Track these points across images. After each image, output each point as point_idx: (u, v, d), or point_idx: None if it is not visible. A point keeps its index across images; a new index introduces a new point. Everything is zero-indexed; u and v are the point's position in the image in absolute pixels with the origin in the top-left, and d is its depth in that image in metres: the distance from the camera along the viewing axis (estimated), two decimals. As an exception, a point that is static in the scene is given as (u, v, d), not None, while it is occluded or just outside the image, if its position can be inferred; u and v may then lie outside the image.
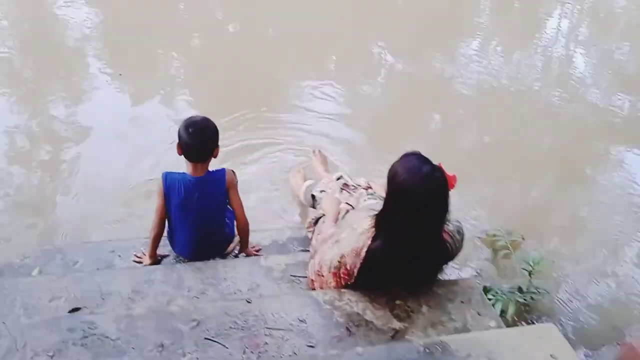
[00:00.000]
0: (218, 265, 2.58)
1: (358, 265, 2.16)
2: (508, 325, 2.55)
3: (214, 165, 2.58)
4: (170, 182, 2.50)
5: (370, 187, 2.91)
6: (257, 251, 2.86)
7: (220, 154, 2.58)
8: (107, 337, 1.93)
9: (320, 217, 2.74)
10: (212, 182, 2.54)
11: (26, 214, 3.39)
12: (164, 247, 2.75)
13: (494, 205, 3.74)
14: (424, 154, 2.08)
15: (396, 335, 2.08)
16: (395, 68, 5.16)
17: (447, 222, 2.13)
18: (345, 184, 2.94)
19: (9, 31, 5.29)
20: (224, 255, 2.78)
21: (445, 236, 2.16)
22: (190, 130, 2.41)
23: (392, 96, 4.76)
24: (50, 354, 1.86)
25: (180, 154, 2.48)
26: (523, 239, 3.22)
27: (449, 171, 2.02)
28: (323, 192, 2.99)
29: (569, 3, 6.29)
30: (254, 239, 2.88)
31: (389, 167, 2.09)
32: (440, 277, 2.34)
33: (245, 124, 4.11)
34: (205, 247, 2.67)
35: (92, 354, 1.87)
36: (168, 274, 2.48)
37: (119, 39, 5.22)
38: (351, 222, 2.38)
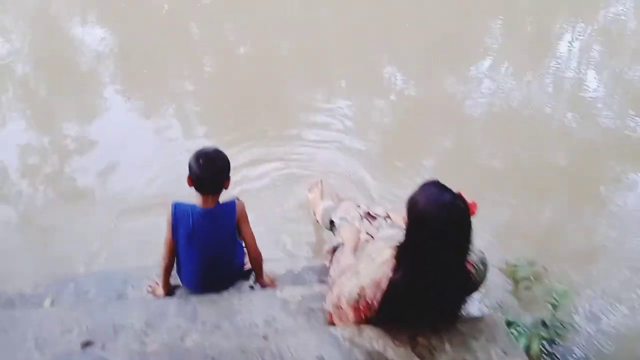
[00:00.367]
0: (233, 298, 2.52)
1: (379, 298, 2.09)
2: (533, 361, 2.47)
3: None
4: (179, 213, 2.45)
5: (389, 217, 2.84)
6: (271, 281, 2.80)
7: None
8: (120, 375, 1.88)
9: (338, 246, 2.67)
10: (222, 214, 2.48)
11: (37, 237, 3.37)
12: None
13: (509, 230, 3.66)
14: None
15: (419, 375, 2.00)
16: (406, 89, 5.13)
17: (470, 252, 2.06)
18: (366, 213, 2.88)
19: (25, 52, 5.31)
20: (236, 286, 2.72)
21: (469, 267, 2.09)
22: (200, 161, 2.36)
23: (403, 118, 4.72)
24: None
25: (190, 186, 2.43)
26: (545, 269, 3.13)
27: (467, 197, 1.96)
28: (343, 220, 2.92)
29: (580, 24, 6.26)
30: (267, 267, 2.81)
31: (408, 196, 2.03)
32: (464, 311, 2.27)
33: (254, 143, 4.11)
34: (213, 280, 2.60)
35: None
36: (182, 306, 2.42)
37: (131, 59, 5.26)
38: (370, 253, 2.31)
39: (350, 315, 2.20)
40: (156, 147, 4.18)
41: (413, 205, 1.99)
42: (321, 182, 3.47)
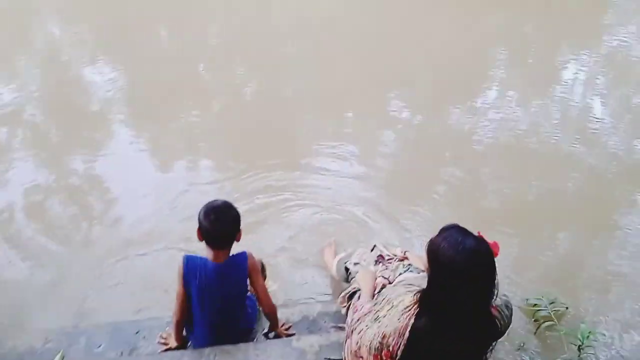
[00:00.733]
0: (249, 349, 2.45)
1: (402, 347, 2.01)
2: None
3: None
4: (190, 268, 2.38)
5: (406, 258, 2.78)
6: (287, 329, 2.73)
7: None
8: None
9: (354, 292, 2.61)
10: (233, 268, 2.41)
11: (47, 286, 3.31)
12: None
13: (524, 263, 3.58)
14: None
15: None
16: (412, 123, 5.13)
17: (495, 297, 2.00)
18: (381, 256, 2.82)
19: (35, 94, 5.33)
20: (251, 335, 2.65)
21: (494, 311, 2.02)
22: (211, 217, 2.29)
23: (410, 152, 4.69)
24: None
25: (200, 240, 2.36)
26: (567, 308, 3.06)
27: (485, 236, 1.91)
28: (357, 265, 2.86)
29: (585, 54, 6.28)
30: (282, 315, 2.75)
31: (428, 242, 1.97)
32: (490, 358, 2.19)
33: (263, 181, 4.10)
34: (223, 336, 2.52)
35: None
36: (196, 358, 2.35)
37: (140, 100, 5.28)
38: (391, 299, 2.23)
39: (371, 364, 2.13)
40: (161, 188, 4.15)
41: (435, 251, 1.93)
42: (334, 241, 3.45)
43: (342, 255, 3.15)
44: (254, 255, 2.52)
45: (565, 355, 2.74)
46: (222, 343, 2.49)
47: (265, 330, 2.72)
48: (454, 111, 5.21)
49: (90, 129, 4.83)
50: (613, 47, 6.48)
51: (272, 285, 3.10)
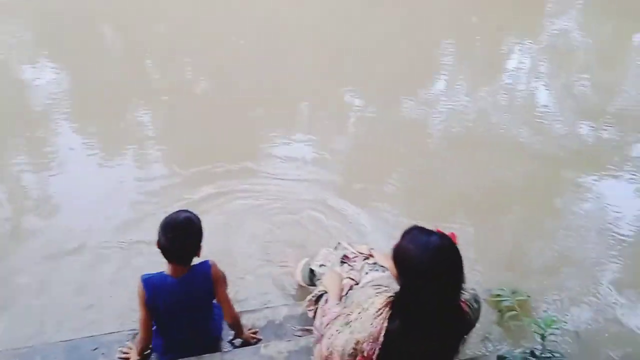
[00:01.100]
0: (214, 359, 2.36)
1: (377, 351, 1.98)
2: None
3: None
4: (153, 291, 2.25)
5: (372, 255, 2.75)
6: (254, 334, 2.66)
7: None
8: None
9: (321, 295, 2.56)
10: (197, 279, 2.30)
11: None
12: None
13: (478, 253, 3.60)
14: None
15: None
16: (366, 114, 5.12)
17: (463, 291, 1.99)
18: (346, 256, 2.78)
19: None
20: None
21: (463, 306, 2.02)
22: (168, 235, 2.17)
23: (363, 147, 4.69)
24: None
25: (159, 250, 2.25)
26: (529, 297, 3.11)
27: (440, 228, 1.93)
28: (323, 267, 2.82)
29: (529, 42, 6.43)
30: (248, 320, 2.69)
31: (393, 248, 1.95)
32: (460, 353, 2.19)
33: (219, 176, 4.03)
34: (192, 348, 2.43)
35: None
36: (161, 373, 2.25)
37: (86, 99, 5.09)
38: (360, 302, 2.20)
39: (345, 370, 2.09)
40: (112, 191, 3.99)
41: (402, 255, 1.91)
42: (291, 253, 3.39)
43: (306, 259, 3.10)
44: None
45: (529, 344, 2.78)
46: (190, 355, 2.40)
47: (231, 338, 2.64)
48: (406, 103, 5.25)
49: (31, 131, 4.63)
50: (555, 35, 6.67)
51: (235, 293, 3.01)
